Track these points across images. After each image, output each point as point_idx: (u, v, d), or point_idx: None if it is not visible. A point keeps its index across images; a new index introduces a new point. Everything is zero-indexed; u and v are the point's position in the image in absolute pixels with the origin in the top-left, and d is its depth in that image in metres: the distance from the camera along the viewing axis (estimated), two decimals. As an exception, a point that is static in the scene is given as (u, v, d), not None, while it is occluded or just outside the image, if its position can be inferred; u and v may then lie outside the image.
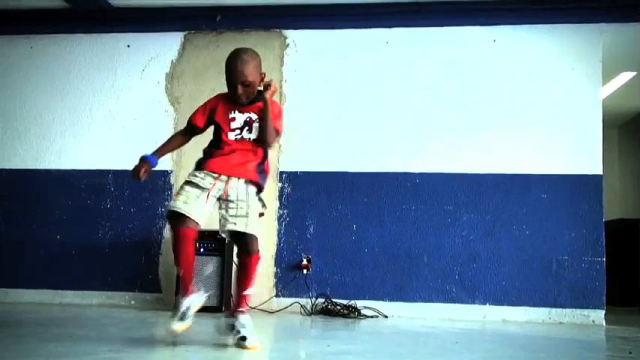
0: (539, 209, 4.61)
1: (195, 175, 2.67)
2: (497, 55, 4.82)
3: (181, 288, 2.61)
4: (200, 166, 2.71)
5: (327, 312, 4.49)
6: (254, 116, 2.72)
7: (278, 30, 5.02)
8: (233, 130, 2.72)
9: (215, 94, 2.86)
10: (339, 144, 4.84)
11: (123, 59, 5.13)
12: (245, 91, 2.67)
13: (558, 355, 2.96)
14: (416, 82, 4.85)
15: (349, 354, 2.61)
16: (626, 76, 5.64)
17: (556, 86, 4.73)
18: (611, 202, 6.17)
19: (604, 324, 4.39)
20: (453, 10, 4.80)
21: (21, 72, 5.20)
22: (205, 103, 2.83)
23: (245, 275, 2.71)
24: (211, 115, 2.77)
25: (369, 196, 4.76)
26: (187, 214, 2.58)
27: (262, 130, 2.70)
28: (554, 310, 4.49)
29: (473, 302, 4.57)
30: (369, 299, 4.60)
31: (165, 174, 4.92)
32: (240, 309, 2.69)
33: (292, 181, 4.84)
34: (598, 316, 4.44)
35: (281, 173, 4.86)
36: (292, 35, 5.00)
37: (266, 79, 2.74)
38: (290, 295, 4.70)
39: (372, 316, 4.44)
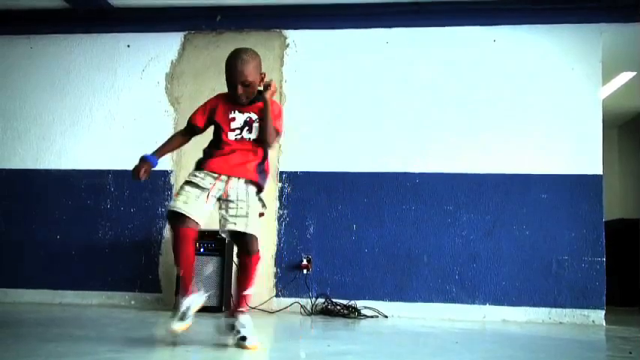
0: (539, 209, 4.61)
1: (195, 175, 2.67)
2: (497, 55, 4.82)
3: (181, 288, 2.61)
4: (200, 166, 2.71)
5: (327, 312, 4.49)
6: (254, 116, 2.72)
7: (278, 30, 5.02)
8: (233, 130, 2.72)
9: (215, 94, 2.87)
10: (339, 144, 4.84)
11: (123, 59, 5.13)
12: (245, 91, 2.67)
13: (558, 355, 2.96)
14: (416, 82, 4.85)
15: (349, 354, 2.61)
16: (626, 76, 5.64)
17: (556, 86, 4.73)
18: (611, 202, 6.17)
19: (604, 324, 4.39)
20: (453, 10, 4.80)
21: (21, 72, 5.20)
22: (205, 103, 2.83)
23: (245, 275, 2.71)
24: (211, 115, 2.77)
25: (369, 196, 4.76)
26: (187, 214, 2.58)
27: (262, 129, 2.70)
28: (554, 310, 4.49)
29: (473, 302, 4.57)
30: (369, 299, 4.60)
31: (165, 174, 4.92)
32: (240, 309, 2.69)
33: (292, 181, 4.84)
34: (598, 316, 4.44)
35: (281, 173, 4.86)
36: (292, 35, 5.00)
37: (266, 79, 2.74)
38: (290, 295, 4.70)
39: (372, 316, 4.44)
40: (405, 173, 4.75)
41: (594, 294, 4.47)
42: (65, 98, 5.13)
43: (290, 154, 4.86)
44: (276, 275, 4.75)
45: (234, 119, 2.72)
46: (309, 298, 4.63)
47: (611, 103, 6.13)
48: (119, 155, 4.94)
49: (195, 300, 2.59)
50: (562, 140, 4.66)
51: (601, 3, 4.64)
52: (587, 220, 4.56)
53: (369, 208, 4.75)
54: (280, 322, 4.04)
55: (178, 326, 2.53)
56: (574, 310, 4.47)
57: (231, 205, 2.65)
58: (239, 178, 2.68)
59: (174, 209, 2.58)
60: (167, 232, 4.84)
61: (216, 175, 2.66)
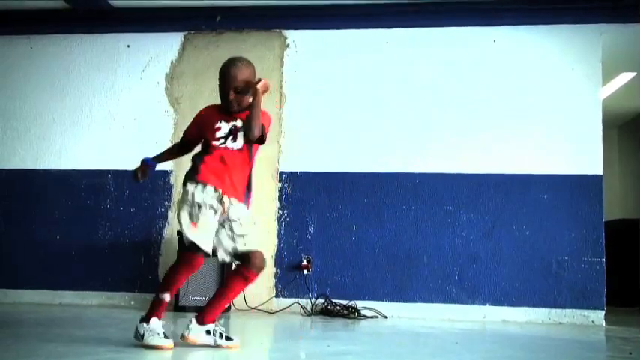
0: (539, 209, 4.61)
1: (201, 193, 2.60)
2: (497, 55, 4.82)
3: (158, 310, 2.63)
4: (194, 176, 2.64)
5: (327, 312, 4.49)
6: (239, 124, 2.68)
7: (278, 30, 5.02)
8: (218, 139, 2.68)
9: (206, 106, 2.88)
10: (339, 144, 4.84)
11: (123, 59, 5.13)
12: (236, 97, 2.66)
13: (558, 355, 2.96)
14: (416, 82, 4.85)
15: (349, 354, 2.61)
16: (625, 77, 5.64)
17: (556, 86, 4.73)
18: (611, 203, 6.17)
19: (604, 324, 4.39)
20: (452, 11, 4.80)
21: (21, 72, 5.20)
22: (196, 117, 2.84)
23: (232, 292, 2.69)
24: (201, 126, 2.77)
25: (369, 196, 4.76)
26: (205, 249, 2.56)
27: (249, 118, 2.61)
28: (554, 310, 4.49)
29: (473, 302, 4.56)
30: (369, 299, 4.60)
31: (165, 174, 4.91)
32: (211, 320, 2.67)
33: (292, 181, 4.84)
34: (598, 316, 4.44)
35: (281, 173, 4.85)
36: (292, 35, 5.00)
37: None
38: (290, 296, 4.70)
39: (372, 317, 4.44)
40: (405, 173, 4.75)
41: (594, 294, 4.47)
42: (65, 98, 5.13)
43: (290, 155, 4.85)
44: (276, 275, 4.74)
45: (219, 129, 2.69)
46: (309, 298, 4.63)
47: (611, 104, 6.13)
48: (119, 155, 4.94)
49: (160, 325, 2.62)
50: (562, 140, 4.66)
51: (601, 3, 4.64)
52: (587, 220, 4.56)
53: (369, 208, 4.75)
54: (280, 323, 4.04)
55: (167, 343, 2.57)
56: (574, 310, 4.47)
57: (234, 223, 2.63)
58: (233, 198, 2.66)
59: (195, 242, 2.54)
60: (167, 232, 4.85)
61: (216, 192, 2.61)
